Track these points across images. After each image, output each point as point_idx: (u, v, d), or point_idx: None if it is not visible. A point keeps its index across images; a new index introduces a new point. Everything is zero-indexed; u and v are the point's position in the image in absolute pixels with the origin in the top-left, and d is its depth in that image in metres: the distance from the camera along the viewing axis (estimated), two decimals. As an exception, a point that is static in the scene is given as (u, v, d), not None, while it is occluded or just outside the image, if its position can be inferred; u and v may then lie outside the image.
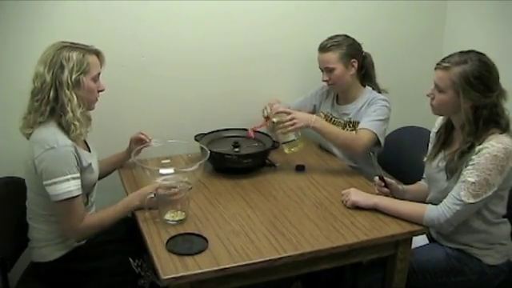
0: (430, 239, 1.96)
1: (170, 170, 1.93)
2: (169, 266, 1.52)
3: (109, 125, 2.06)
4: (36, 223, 1.82)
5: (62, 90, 1.69)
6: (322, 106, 2.46)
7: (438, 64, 1.78)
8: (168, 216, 1.76)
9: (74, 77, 1.70)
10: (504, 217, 1.87)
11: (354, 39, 2.27)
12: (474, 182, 1.69)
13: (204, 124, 2.36)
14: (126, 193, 1.97)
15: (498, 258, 1.87)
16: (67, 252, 1.82)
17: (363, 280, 1.96)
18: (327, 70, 2.25)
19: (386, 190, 1.97)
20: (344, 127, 2.32)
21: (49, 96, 1.69)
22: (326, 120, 2.38)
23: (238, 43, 2.43)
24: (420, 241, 1.90)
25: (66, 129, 1.72)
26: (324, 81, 2.29)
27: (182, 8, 2.29)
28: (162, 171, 1.93)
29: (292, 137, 2.15)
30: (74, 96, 1.71)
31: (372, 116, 2.20)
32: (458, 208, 1.71)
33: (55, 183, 1.67)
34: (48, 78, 1.69)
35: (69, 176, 1.69)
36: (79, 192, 1.72)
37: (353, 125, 2.30)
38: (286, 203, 1.95)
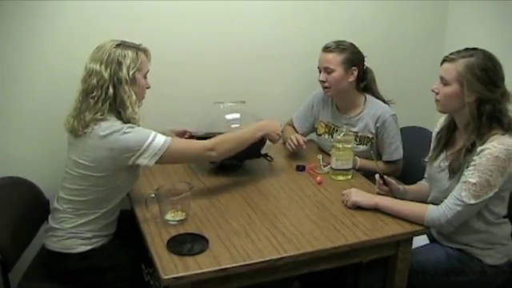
0: (431, 239, 1.96)
1: (237, 115, 2.18)
2: (169, 266, 1.52)
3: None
4: (72, 214, 1.80)
5: (121, 86, 1.73)
6: (321, 116, 2.42)
7: (445, 57, 1.79)
8: (168, 216, 1.76)
9: (130, 73, 1.74)
10: (504, 217, 1.87)
11: (359, 49, 2.26)
12: (475, 183, 1.69)
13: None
14: (129, 196, 1.96)
15: (499, 258, 1.87)
16: (90, 249, 1.80)
17: (364, 280, 1.96)
18: (326, 70, 2.22)
19: (385, 187, 1.97)
20: None
21: (107, 93, 1.71)
22: (328, 130, 2.38)
23: (239, 44, 2.42)
24: (421, 241, 1.90)
25: (126, 123, 1.75)
26: (320, 81, 2.26)
27: (182, 8, 2.28)
28: (229, 116, 2.18)
29: (350, 165, 2.13)
30: (132, 92, 1.75)
31: (394, 143, 2.27)
32: (458, 209, 1.71)
33: (149, 144, 1.72)
34: (106, 74, 1.71)
35: (153, 133, 1.75)
36: (170, 138, 1.78)
37: (360, 139, 2.29)
38: (286, 203, 1.95)
